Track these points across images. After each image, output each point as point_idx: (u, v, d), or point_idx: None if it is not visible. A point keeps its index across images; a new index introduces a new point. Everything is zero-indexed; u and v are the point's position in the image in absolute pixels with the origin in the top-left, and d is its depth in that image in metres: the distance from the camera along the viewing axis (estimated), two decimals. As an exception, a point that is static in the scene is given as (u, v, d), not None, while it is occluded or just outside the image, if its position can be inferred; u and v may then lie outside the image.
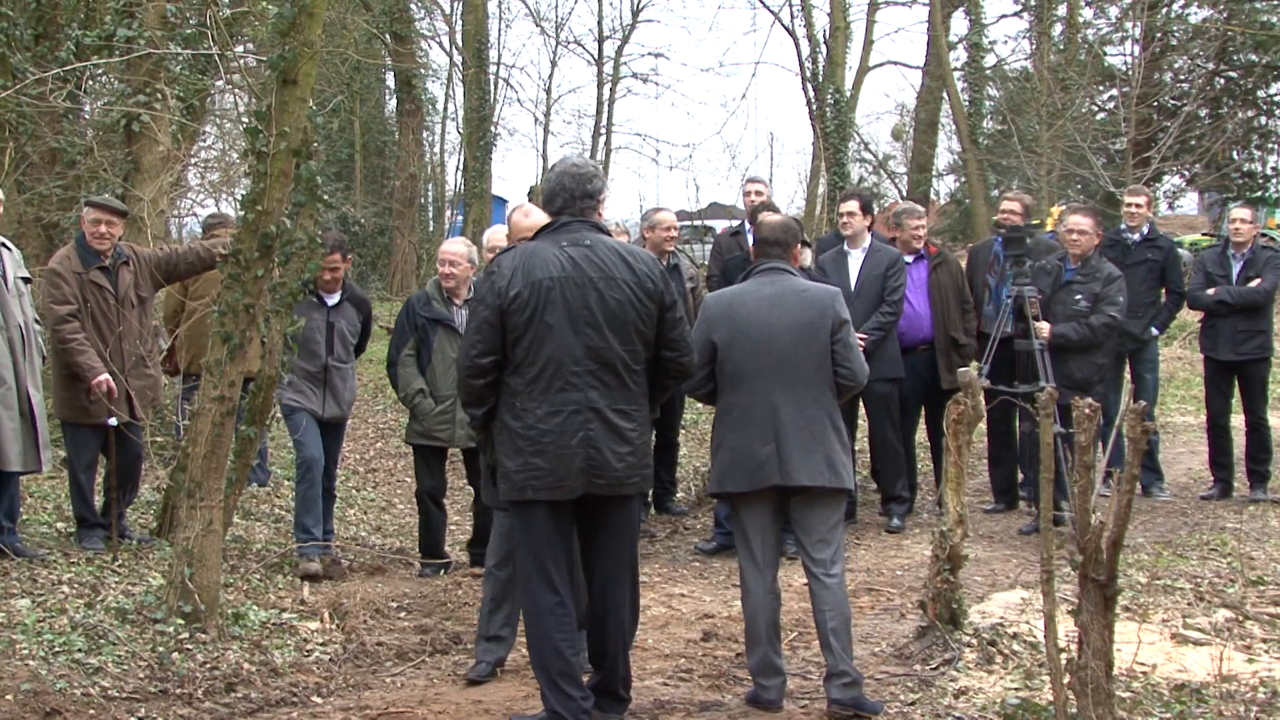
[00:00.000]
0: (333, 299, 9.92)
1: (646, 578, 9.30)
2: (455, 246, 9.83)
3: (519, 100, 62.92)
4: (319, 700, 6.88)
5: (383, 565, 9.63)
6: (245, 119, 12.32)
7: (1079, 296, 10.64)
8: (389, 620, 8.38)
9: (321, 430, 9.85)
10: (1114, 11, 33.50)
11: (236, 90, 16.41)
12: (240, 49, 14.05)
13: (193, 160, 17.61)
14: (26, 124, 12.59)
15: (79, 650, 7.03)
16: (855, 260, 11.12)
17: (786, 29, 29.74)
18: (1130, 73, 27.06)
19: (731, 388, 6.82)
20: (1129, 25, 30.50)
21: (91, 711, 6.35)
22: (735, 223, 13.56)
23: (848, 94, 28.55)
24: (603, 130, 34.42)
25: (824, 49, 27.70)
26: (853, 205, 11.27)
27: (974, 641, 7.39)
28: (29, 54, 12.74)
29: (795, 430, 6.69)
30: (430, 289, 9.74)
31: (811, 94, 27.95)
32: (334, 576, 9.32)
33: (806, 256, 9.79)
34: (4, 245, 9.08)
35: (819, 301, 6.84)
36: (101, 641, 7.15)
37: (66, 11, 13.27)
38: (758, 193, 12.55)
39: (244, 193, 7.80)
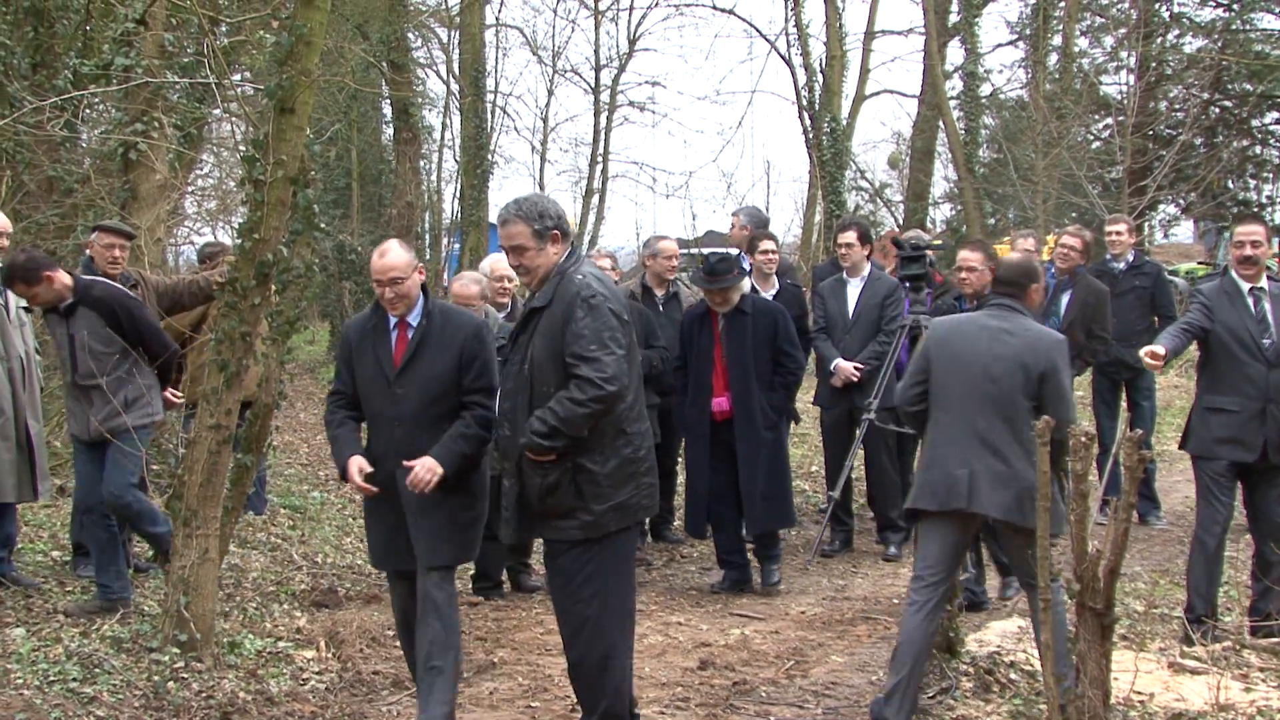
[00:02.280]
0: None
1: (643, 606, 9.29)
2: (470, 288, 9.54)
3: (516, 128, 63.15)
4: (314, 730, 6.87)
5: (378, 594, 9.59)
6: (242, 147, 12.35)
7: None
8: (385, 649, 8.35)
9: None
10: (1109, 41, 33.65)
11: (234, 119, 16.50)
12: (237, 77, 14.09)
13: (190, 188, 17.63)
14: (24, 152, 12.59)
15: (74, 679, 7.01)
16: (854, 289, 11.24)
17: (783, 58, 29.81)
18: (1125, 102, 27.10)
19: (940, 409, 7.02)
20: (1124, 55, 30.62)
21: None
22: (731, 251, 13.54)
23: (844, 122, 28.58)
24: (599, 158, 34.51)
25: (820, 78, 27.71)
26: (851, 236, 11.34)
27: (971, 670, 7.39)
28: (26, 83, 12.75)
29: (991, 461, 6.80)
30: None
31: (808, 122, 27.97)
32: (330, 605, 9.29)
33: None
34: (6, 274, 9.07)
35: (1038, 343, 6.96)
36: (97, 670, 7.13)
37: (64, 40, 13.29)
38: (742, 226, 12.58)
39: (241, 221, 7.79)
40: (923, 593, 6.87)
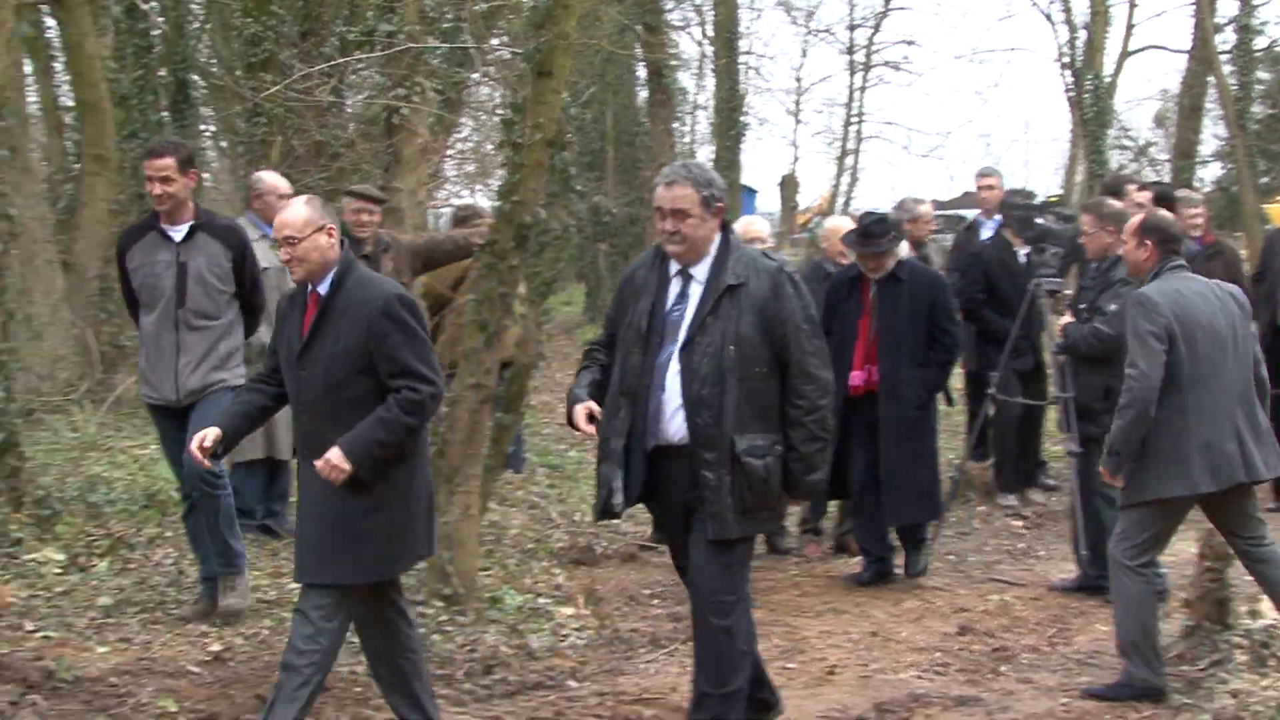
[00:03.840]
0: (178, 230, 7.61)
1: (900, 569, 9.19)
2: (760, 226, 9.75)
3: (769, 89, 62.77)
4: (574, 684, 6.93)
5: (635, 553, 9.65)
6: (501, 111, 12.51)
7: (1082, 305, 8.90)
8: (642, 607, 8.41)
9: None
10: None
11: (492, 82, 16.70)
12: (496, 42, 14.25)
13: (449, 152, 17.93)
14: (293, 118, 12.96)
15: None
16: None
17: (1044, 14, 29.14)
18: None
19: (1193, 386, 6.64)
20: None
21: (357, 689, 6.52)
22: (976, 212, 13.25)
23: (1107, 79, 27.80)
24: (853, 119, 34.16)
25: (1083, 34, 27.00)
26: (1143, 197, 10.58)
27: (1245, 643, 7.12)
28: (296, 50, 13.13)
29: (1249, 425, 6.70)
30: None
31: (1069, 80, 27.27)
32: (588, 563, 9.37)
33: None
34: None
35: (1238, 298, 6.86)
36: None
37: (331, 9, 13.64)
38: (988, 186, 12.27)
39: (500, 183, 7.89)
40: (1158, 579, 6.79)
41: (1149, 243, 6.94)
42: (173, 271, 7.46)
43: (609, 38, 21.49)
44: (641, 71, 29.42)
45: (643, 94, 31.01)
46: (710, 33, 29.96)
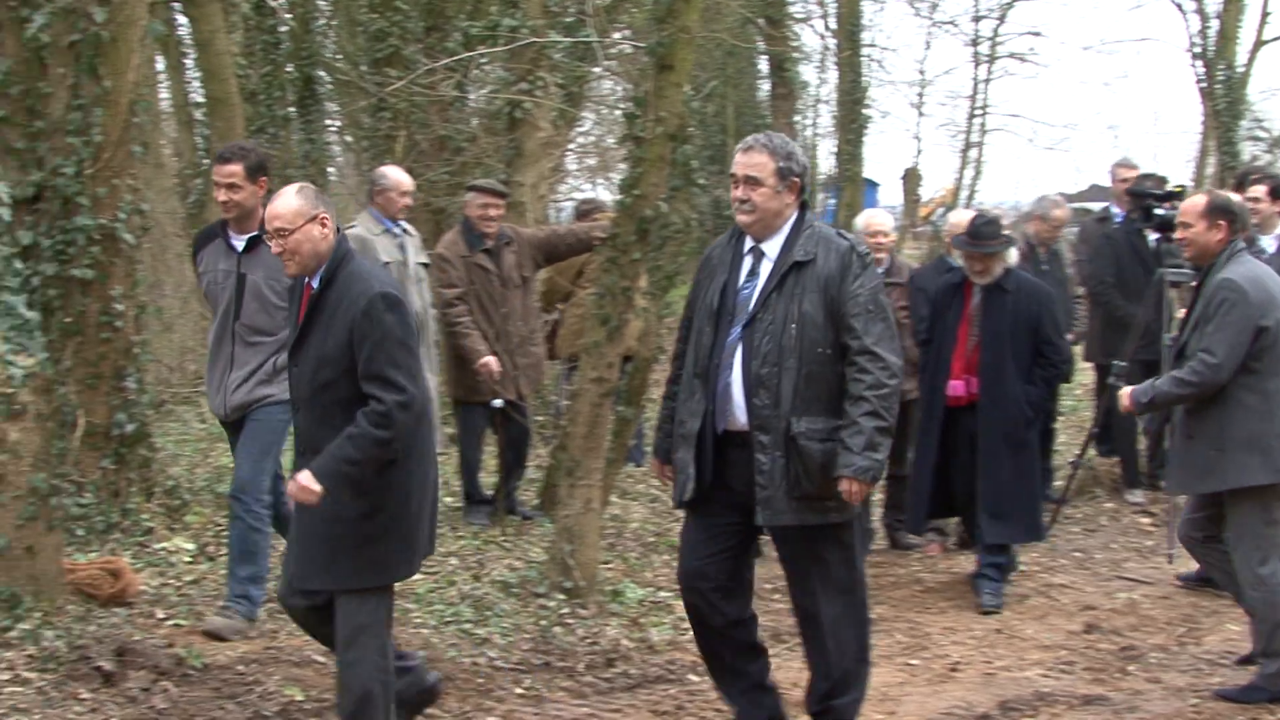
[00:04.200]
0: (242, 240, 7.19)
1: (1025, 566, 9.09)
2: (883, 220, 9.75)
3: (892, 82, 62.41)
4: (695, 678, 6.93)
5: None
6: (623, 104, 12.52)
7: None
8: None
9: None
10: None
11: (614, 76, 16.73)
12: (618, 36, 14.27)
13: (571, 145, 18.00)
14: (417, 112, 13.09)
15: (468, 621, 7.31)
16: (1269, 248, 10.28)
17: (1175, 3, 28.57)
18: None
19: (1277, 372, 6.57)
20: None
21: (480, 680, 6.58)
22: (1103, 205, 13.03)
23: (1240, 70, 27.25)
24: (978, 111, 33.79)
25: (1215, 23, 26.48)
26: (1260, 190, 10.39)
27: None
28: (420, 45, 13.26)
29: None
30: None
31: (1201, 71, 26.78)
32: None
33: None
34: (407, 231, 9.38)
35: None
36: (488, 613, 7.40)
37: (455, 4, 13.75)
38: (1126, 178, 11.98)
39: (621, 177, 7.91)
40: None
41: (1222, 223, 6.73)
42: (232, 282, 7.10)
43: (731, 31, 21.41)
44: (763, 65, 29.33)
45: (764, 87, 30.92)
46: (833, 25, 29.75)
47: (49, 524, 6.85)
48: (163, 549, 8.32)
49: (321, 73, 16.57)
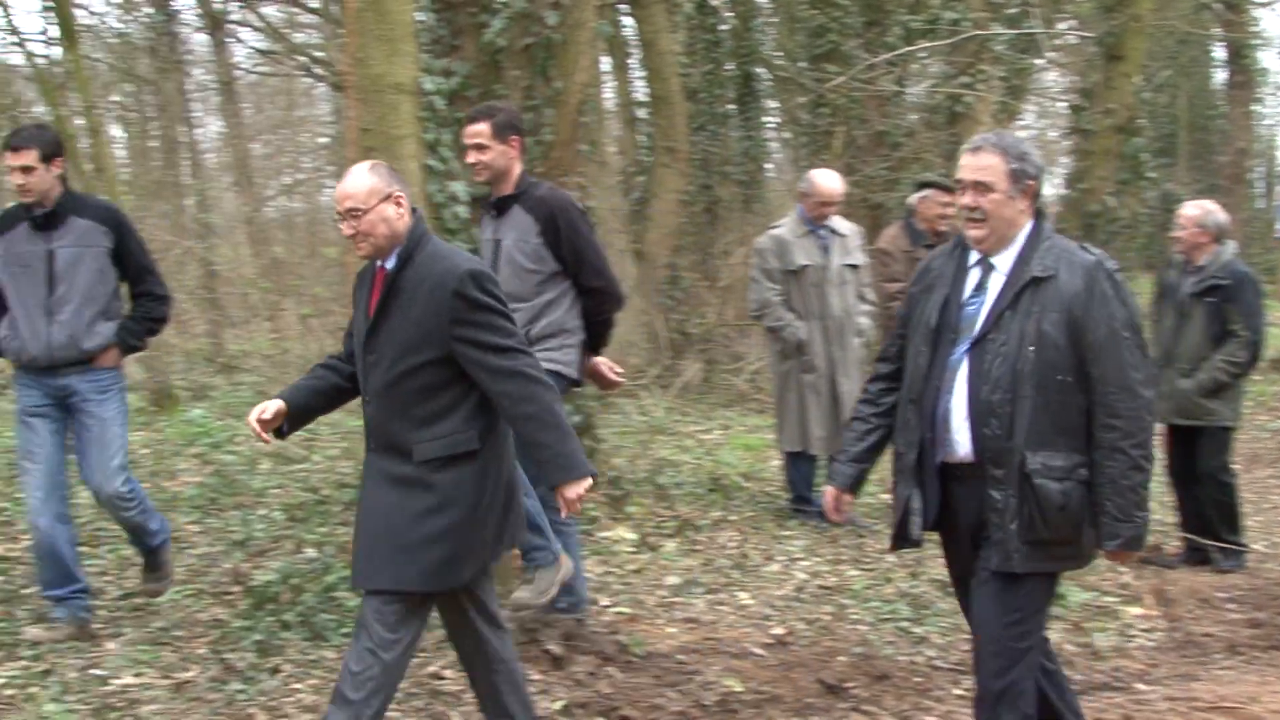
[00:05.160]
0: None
1: None
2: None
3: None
4: (1143, 687, 6.67)
5: (1209, 554, 9.17)
6: (1068, 97, 12.21)
7: None
8: (1216, 611, 8.00)
9: None
10: None
11: (1059, 68, 16.34)
12: (1063, 26, 13.93)
13: (1012, 139, 17.69)
14: (855, 108, 13.09)
15: (904, 619, 7.24)
16: None
17: None
18: None
19: None
20: None
21: (917, 679, 6.51)
22: None
23: None
24: None
25: None
26: None
27: None
28: (859, 41, 13.25)
29: None
30: None
31: None
32: (1157, 563, 8.96)
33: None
34: (835, 232, 9.31)
35: None
36: (925, 612, 7.31)
37: (895, -1, 13.70)
38: None
39: (1065, 171, 7.71)
40: None
41: None
42: (490, 249, 6.69)
43: (1185, 18, 20.65)
44: (1219, 52, 28.12)
45: (1219, 75, 29.64)
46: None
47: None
48: (606, 538, 8.55)
49: (761, 70, 16.78)
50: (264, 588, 6.74)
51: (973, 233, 4.85)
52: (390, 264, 4.93)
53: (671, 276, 15.11)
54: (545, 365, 5.82)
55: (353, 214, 4.86)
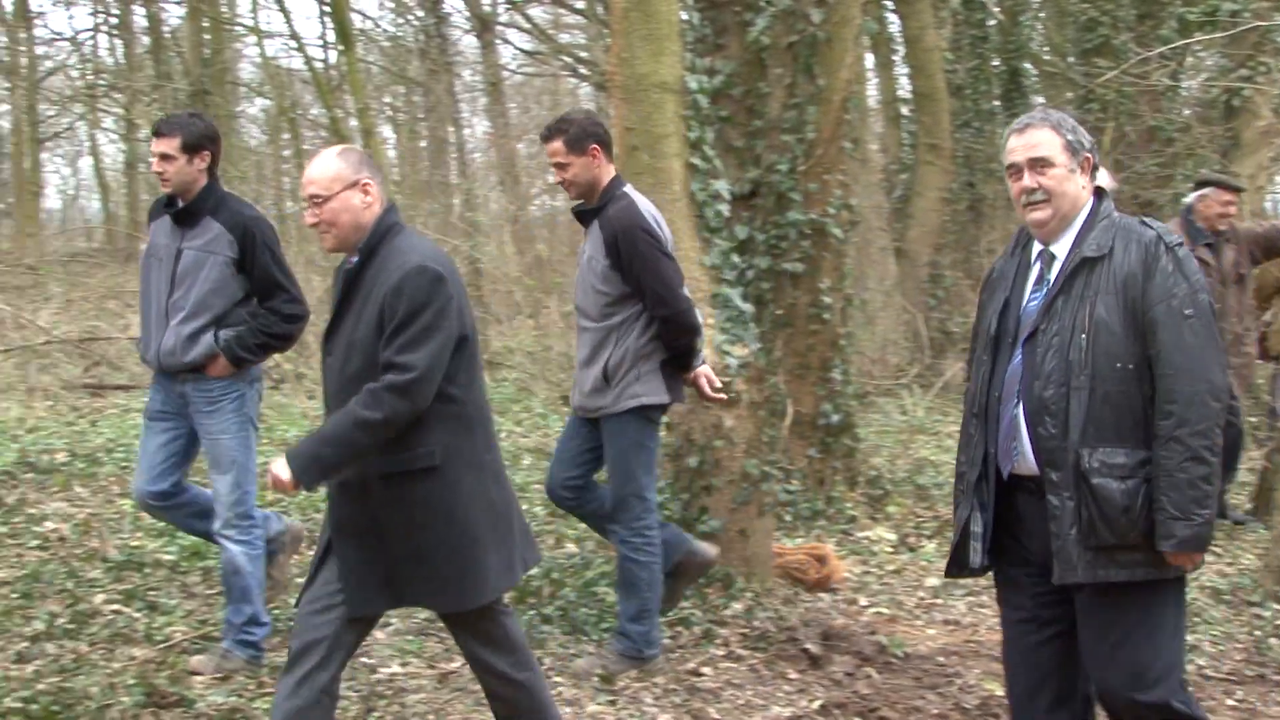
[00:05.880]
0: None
1: None
2: None
3: None
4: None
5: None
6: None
7: None
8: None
9: None
10: None
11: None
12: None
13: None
14: (1126, 103, 12.79)
15: (1173, 626, 7.04)
16: None
17: None
18: None
19: None
20: None
21: (1189, 689, 6.32)
22: None
23: None
24: None
25: None
26: None
27: None
28: (1132, 34, 12.94)
29: None
30: None
31: None
32: None
33: None
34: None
35: None
36: (1195, 619, 7.10)
37: (1171, -11, 13.35)
38: None
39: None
40: None
41: None
42: (579, 263, 6.44)
43: None
44: None
45: None
46: None
47: (761, 509, 7.14)
48: (865, 538, 8.51)
49: (1028, 65, 16.50)
50: (525, 582, 6.83)
51: (1035, 215, 4.42)
52: (354, 258, 4.58)
53: (934, 275, 14.98)
54: (631, 404, 6.08)
55: (315, 200, 4.53)
